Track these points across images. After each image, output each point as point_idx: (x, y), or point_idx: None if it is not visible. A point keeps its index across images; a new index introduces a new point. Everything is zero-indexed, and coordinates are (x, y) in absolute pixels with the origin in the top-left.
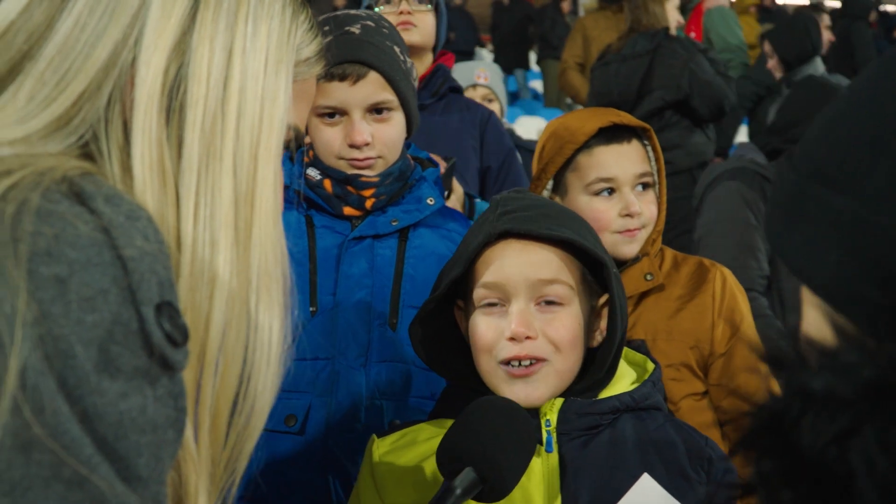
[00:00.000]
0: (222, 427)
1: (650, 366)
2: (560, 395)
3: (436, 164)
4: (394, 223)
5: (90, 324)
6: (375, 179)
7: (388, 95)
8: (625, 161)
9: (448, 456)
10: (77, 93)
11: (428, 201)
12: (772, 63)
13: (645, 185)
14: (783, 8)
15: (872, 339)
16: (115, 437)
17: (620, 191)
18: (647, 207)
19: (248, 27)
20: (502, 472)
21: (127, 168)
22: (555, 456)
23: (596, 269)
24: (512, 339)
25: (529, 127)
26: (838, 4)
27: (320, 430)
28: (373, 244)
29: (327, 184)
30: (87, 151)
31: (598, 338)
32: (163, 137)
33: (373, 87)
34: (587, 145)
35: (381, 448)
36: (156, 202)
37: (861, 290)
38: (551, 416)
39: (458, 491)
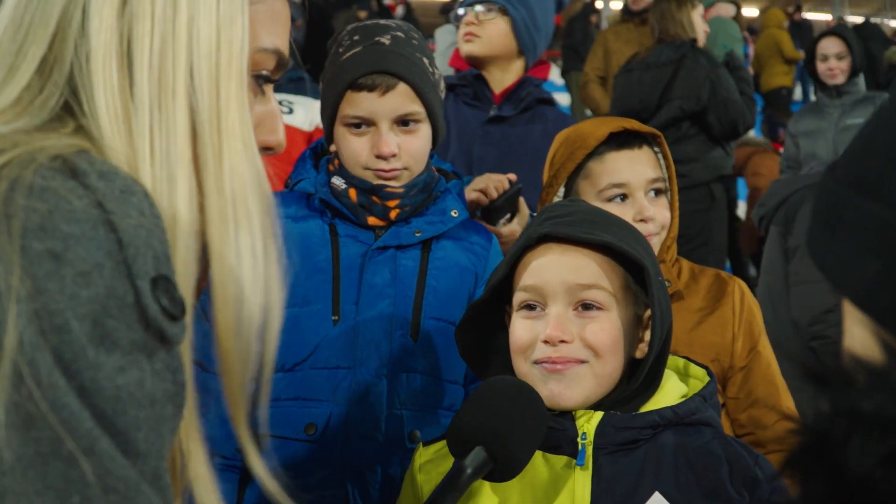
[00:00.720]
0: (233, 360)
1: (707, 380)
2: (599, 409)
3: (459, 176)
4: (417, 234)
5: (85, 298)
6: (400, 190)
7: (417, 107)
8: (637, 166)
9: (458, 436)
10: (38, 57)
11: (452, 213)
12: (840, 66)
13: (657, 191)
14: (810, 23)
15: None
16: (113, 412)
17: (633, 196)
18: (661, 213)
19: None
20: (513, 450)
21: (97, 120)
22: (589, 470)
23: (643, 278)
24: (546, 341)
25: None
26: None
27: (340, 439)
28: (396, 255)
29: (352, 193)
30: (72, 111)
31: (645, 349)
32: (123, 83)
33: (401, 98)
34: (598, 151)
35: (424, 456)
36: (124, 150)
37: None
38: (588, 429)
39: (469, 470)
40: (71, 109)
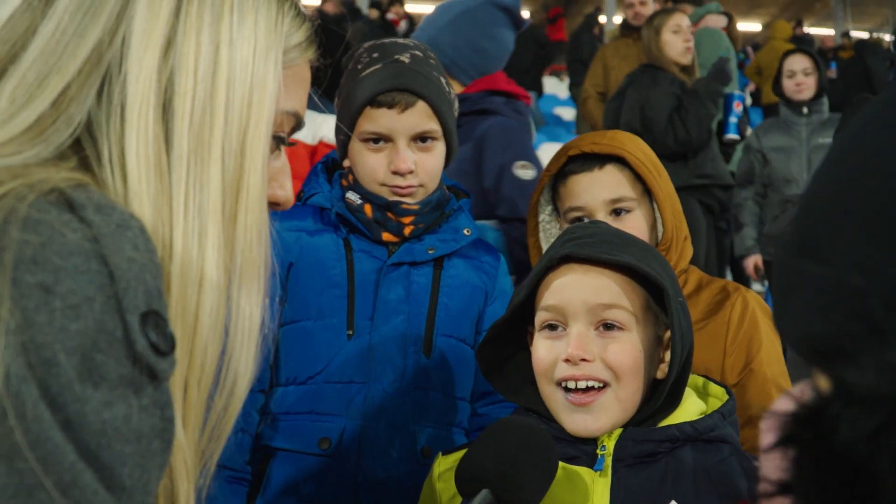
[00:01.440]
0: (199, 413)
1: (725, 398)
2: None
3: (468, 194)
4: (430, 251)
5: (74, 332)
6: (415, 207)
7: (434, 125)
8: (594, 189)
9: (466, 477)
10: (58, 90)
11: (465, 232)
12: (807, 82)
13: (620, 211)
14: (811, 38)
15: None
16: (98, 446)
17: (594, 218)
18: None
19: (233, 17)
20: (520, 495)
21: (123, 166)
22: (607, 476)
23: (663, 298)
24: (568, 360)
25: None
26: (864, 35)
27: (353, 454)
28: (409, 271)
29: (367, 209)
30: (82, 152)
31: (665, 369)
32: (158, 133)
33: (420, 116)
34: (563, 173)
35: (443, 465)
36: (151, 198)
37: (855, 346)
38: (608, 442)
39: None
40: (80, 147)
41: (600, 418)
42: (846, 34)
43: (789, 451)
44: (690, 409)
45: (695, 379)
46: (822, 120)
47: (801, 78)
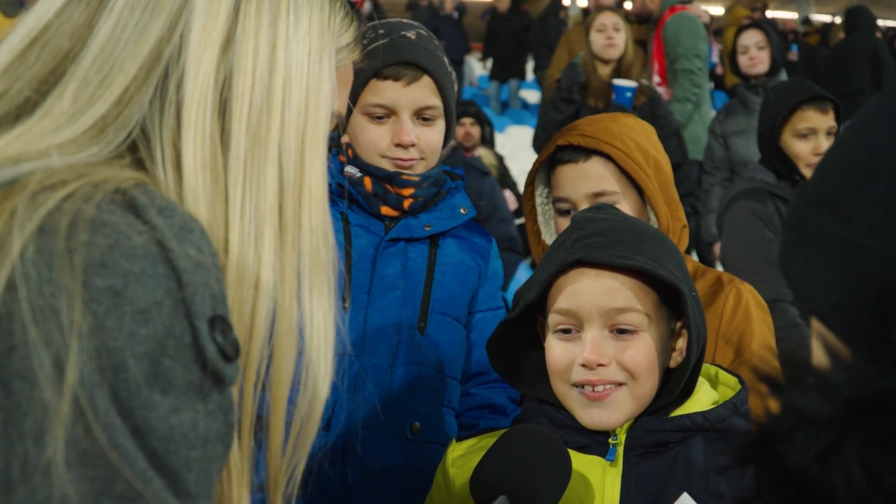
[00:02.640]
0: (281, 422)
1: (738, 388)
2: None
3: (462, 177)
4: (427, 228)
5: (143, 336)
6: (415, 178)
7: (437, 101)
8: (578, 181)
9: (482, 483)
10: (120, 90)
11: (461, 210)
12: (760, 56)
13: None
14: (772, 21)
15: (861, 360)
16: (165, 452)
17: (577, 209)
18: None
19: (289, 18)
20: (536, 501)
21: (178, 165)
22: (619, 467)
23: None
24: (584, 365)
25: (519, 137)
26: (826, 19)
27: (344, 427)
28: (406, 248)
29: (367, 182)
30: (136, 152)
31: (678, 358)
32: (215, 133)
33: (424, 90)
34: (553, 161)
35: (456, 452)
36: (207, 198)
37: (853, 312)
38: (620, 432)
39: None
40: (134, 145)
41: (614, 413)
42: (806, 20)
43: (747, 470)
44: (703, 398)
45: (707, 368)
46: None
47: (754, 52)
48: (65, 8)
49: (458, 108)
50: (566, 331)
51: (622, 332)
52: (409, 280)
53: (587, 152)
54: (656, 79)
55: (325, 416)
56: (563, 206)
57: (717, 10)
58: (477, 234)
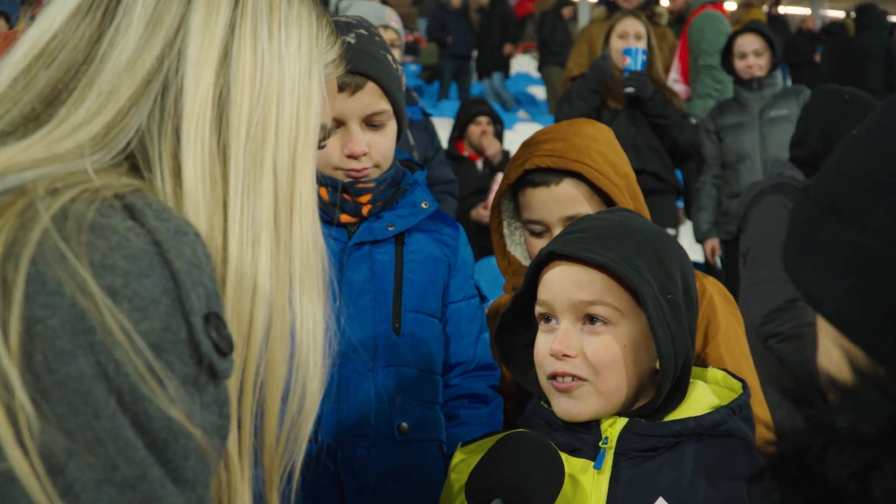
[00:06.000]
0: (274, 419)
1: (740, 392)
2: (624, 415)
3: (422, 167)
4: (390, 228)
5: (142, 332)
6: (371, 185)
7: (385, 105)
8: (551, 204)
9: (478, 487)
10: (124, 100)
11: (422, 205)
12: (759, 62)
13: None
14: (785, 18)
15: (882, 367)
16: (164, 442)
17: (551, 232)
18: None
19: (281, 35)
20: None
21: (178, 175)
22: (606, 474)
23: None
24: (552, 355)
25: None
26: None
27: (333, 436)
28: (371, 250)
29: (323, 192)
30: (134, 161)
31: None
32: (213, 145)
33: (370, 97)
34: (521, 183)
35: (459, 456)
36: (206, 207)
37: (867, 318)
38: (611, 433)
39: None
40: (132, 153)
41: (578, 404)
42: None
43: (776, 487)
44: (701, 402)
45: (714, 372)
46: (775, 93)
47: (752, 60)
48: (69, 21)
49: (473, 107)
50: (548, 320)
51: (595, 323)
52: (378, 283)
53: (557, 173)
54: (673, 75)
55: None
56: (536, 227)
57: (730, 6)
58: (444, 225)
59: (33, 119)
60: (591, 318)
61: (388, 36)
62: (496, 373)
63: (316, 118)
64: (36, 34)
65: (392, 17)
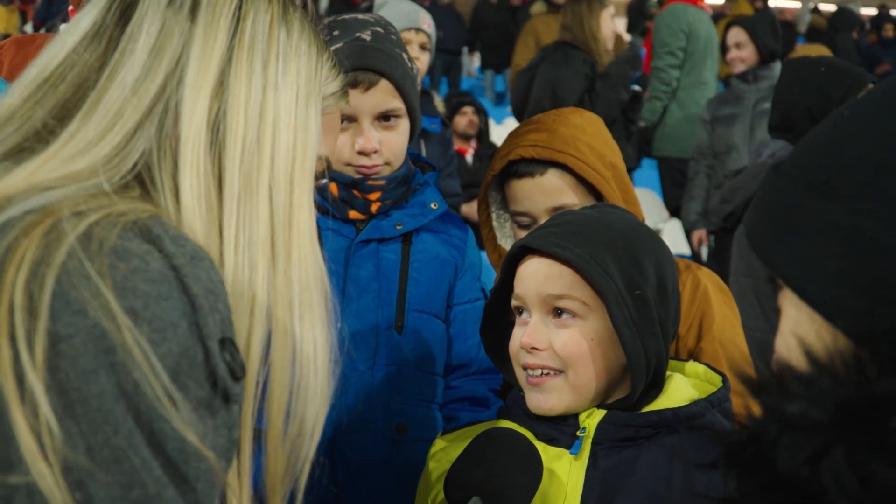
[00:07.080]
0: (278, 439)
1: (720, 385)
2: (602, 407)
3: (434, 167)
4: (398, 227)
5: (160, 354)
6: (381, 182)
7: (398, 103)
8: (537, 195)
9: (456, 485)
10: (132, 123)
11: (431, 206)
12: (740, 55)
13: None
14: (771, 11)
15: (861, 351)
16: (178, 462)
17: (538, 223)
18: None
19: (279, 65)
20: (508, 501)
21: (177, 196)
22: (583, 462)
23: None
24: (523, 348)
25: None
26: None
27: (330, 432)
28: (378, 248)
29: (333, 188)
30: (141, 180)
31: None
32: (209, 169)
33: (383, 94)
34: (506, 173)
35: (438, 445)
36: (203, 229)
37: (856, 303)
38: (589, 424)
39: None
40: (140, 176)
41: (551, 398)
42: (815, 9)
43: (731, 473)
44: (680, 395)
45: (694, 367)
46: (772, 84)
47: (734, 52)
48: (76, 48)
49: (455, 98)
50: (521, 312)
51: (564, 317)
52: (383, 281)
53: (542, 164)
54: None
55: None
56: (524, 220)
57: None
58: (453, 226)
59: (45, 133)
60: (559, 312)
61: (419, 39)
62: (498, 377)
63: (313, 146)
64: (46, 58)
65: (425, 21)
